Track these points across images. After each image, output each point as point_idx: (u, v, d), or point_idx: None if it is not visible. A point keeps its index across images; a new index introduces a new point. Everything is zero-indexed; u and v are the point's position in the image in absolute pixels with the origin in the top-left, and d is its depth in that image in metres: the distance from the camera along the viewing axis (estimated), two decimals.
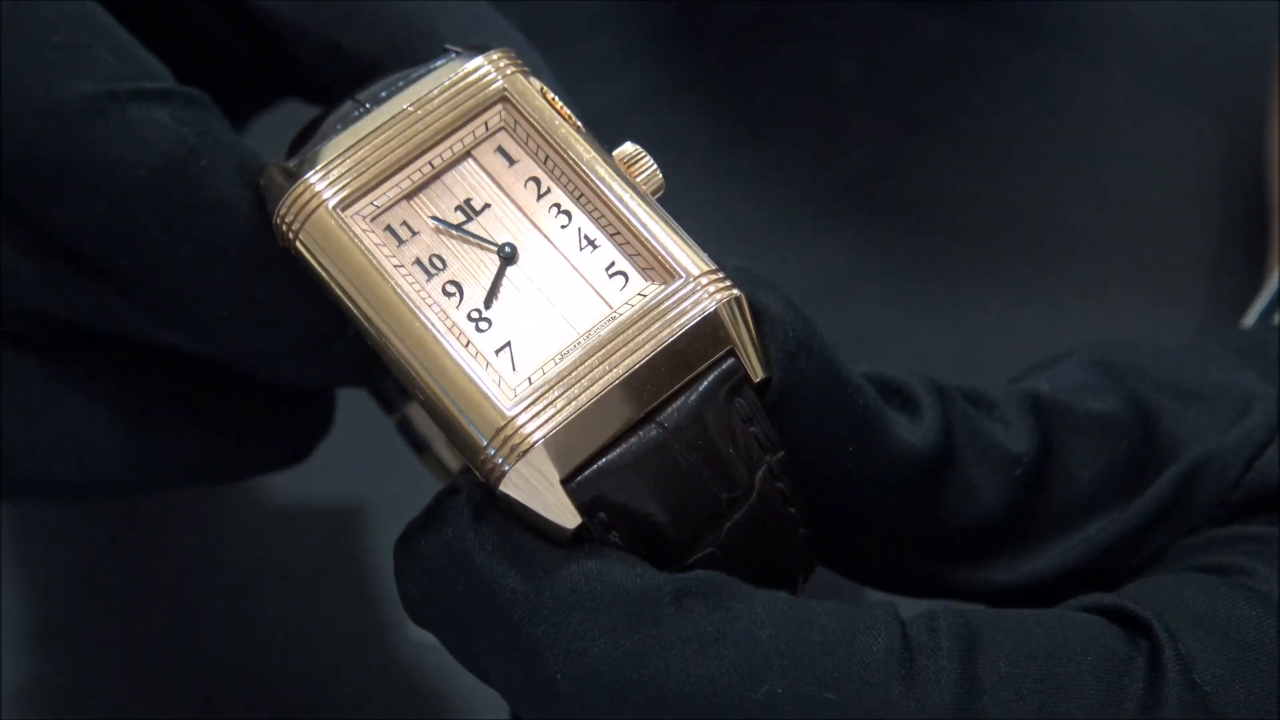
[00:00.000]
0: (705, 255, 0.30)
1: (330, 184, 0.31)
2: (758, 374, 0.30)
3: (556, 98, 0.32)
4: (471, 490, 0.29)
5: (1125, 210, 0.54)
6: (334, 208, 0.30)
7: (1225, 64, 0.56)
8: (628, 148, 0.32)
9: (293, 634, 0.46)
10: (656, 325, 0.29)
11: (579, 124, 0.32)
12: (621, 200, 0.30)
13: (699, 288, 0.29)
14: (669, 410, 0.29)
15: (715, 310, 0.29)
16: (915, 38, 0.57)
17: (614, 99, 0.55)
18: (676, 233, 0.30)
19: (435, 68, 0.32)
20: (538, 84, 0.32)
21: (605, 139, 0.31)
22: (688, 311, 0.29)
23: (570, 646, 0.27)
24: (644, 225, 0.30)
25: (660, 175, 0.32)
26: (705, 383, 0.29)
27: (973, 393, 0.32)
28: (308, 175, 0.31)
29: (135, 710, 0.44)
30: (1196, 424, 0.32)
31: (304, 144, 0.33)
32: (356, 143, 0.31)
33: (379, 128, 0.31)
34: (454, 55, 0.32)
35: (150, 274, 0.31)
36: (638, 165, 0.32)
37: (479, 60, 0.32)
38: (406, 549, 0.29)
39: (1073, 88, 0.56)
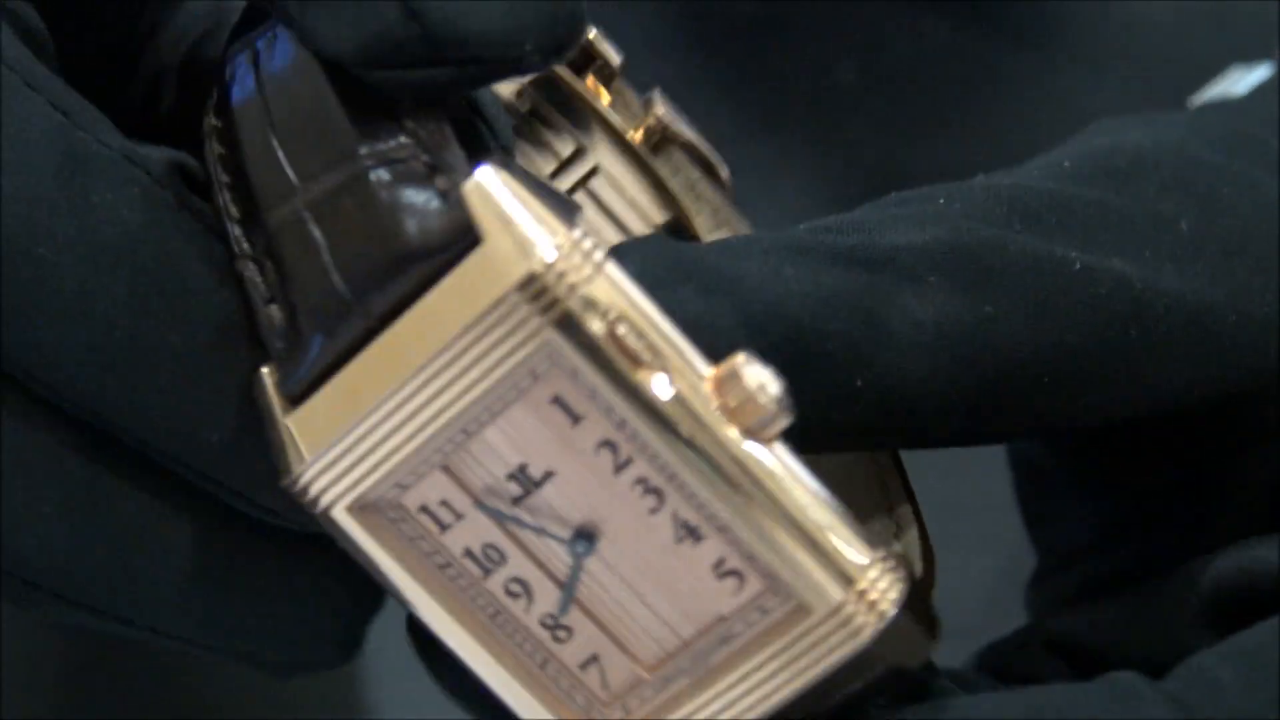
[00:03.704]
0: (858, 542, 0.22)
1: (343, 474, 0.23)
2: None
3: (640, 304, 0.22)
4: None
5: None
6: (351, 506, 0.23)
7: (1225, 66, 0.56)
8: (740, 369, 0.22)
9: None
10: (786, 663, 0.22)
11: (664, 338, 0.22)
12: (730, 489, 0.22)
13: (844, 611, 0.22)
14: None
15: (869, 646, 0.22)
16: (915, 38, 0.57)
17: None
18: (805, 533, 0.22)
19: (462, 257, 0.22)
20: (610, 290, 0.22)
21: None
22: (831, 644, 0.22)
23: None
24: (760, 527, 0.22)
25: (784, 413, 0.22)
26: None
27: None
28: (309, 468, 0.23)
29: None
30: None
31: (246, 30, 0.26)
32: (370, 409, 0.22)
33: (395, 388, 0.22)
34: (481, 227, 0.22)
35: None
36: (750, 406, 0.22)
37: (524, 260, 0.21)
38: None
39: (1072, 89, 0.56)
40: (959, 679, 0.28)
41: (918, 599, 0.23)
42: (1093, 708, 0.25)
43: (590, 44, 0.31)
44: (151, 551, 0.26)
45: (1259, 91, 0.37)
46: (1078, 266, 0.27)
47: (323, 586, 0.27)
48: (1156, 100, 0.56)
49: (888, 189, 0.28)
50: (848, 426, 0.25)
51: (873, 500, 0.28)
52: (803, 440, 0.24)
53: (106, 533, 0.26)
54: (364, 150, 0.23)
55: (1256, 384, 0.28)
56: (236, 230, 0.25)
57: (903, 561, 0.23)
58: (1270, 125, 0.32)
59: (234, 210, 0.25)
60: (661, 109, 0.33)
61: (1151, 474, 0.31)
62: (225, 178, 0.25)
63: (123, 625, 0.27)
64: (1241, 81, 0.40)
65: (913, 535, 0.27)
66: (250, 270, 0.24)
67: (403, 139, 0.23)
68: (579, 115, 0.32)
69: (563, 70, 0.31)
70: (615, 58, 0.32)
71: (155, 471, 0.26)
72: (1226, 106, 0.36)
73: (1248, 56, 0.53)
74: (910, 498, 0.28)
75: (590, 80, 0.32)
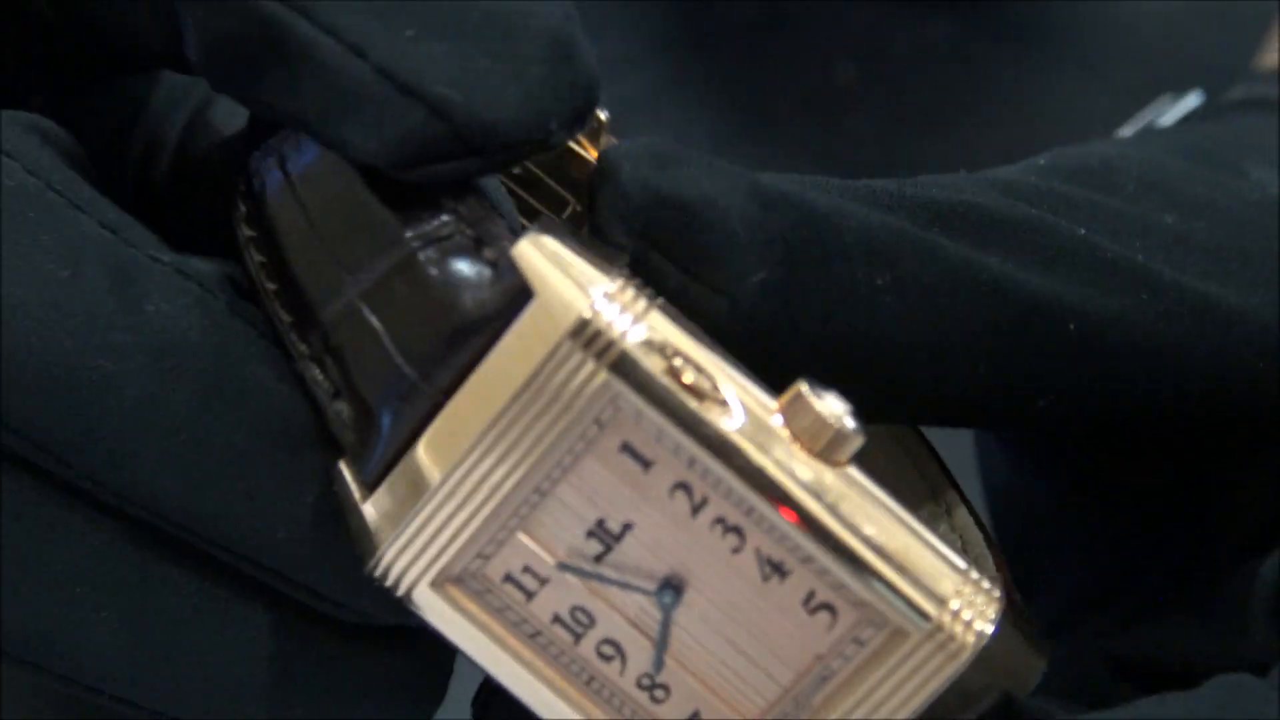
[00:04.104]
0: (947, 556, 0.22)
1: (421, 550, 0.23)
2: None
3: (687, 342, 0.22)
4: None
5: None
6: (434, 583, 0.23)
7: (1224, 67, 0.56)
8: (805, 394, 0.22)
9: None
10: (890, 693, 0.22)
11: (724, 371, 0.22)
12: (806, 515, 0.22)
13: (942, 631, 0.21)
14: None
15: (973, 667, 0.22)
16: (915, 38, 0.57)
17: (614, 99, 0.55)
18: (891, 555, 0.22)
19: (516, 324, 0.22)
20: (664, 327, 0.22)
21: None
22: (932, 668, 0.22)
23: None
24: (845, 555, 0.21)
25: (856, 434, 0.22)
26: None
27: None
28: (388, 550, 0.23)
29: None
30: None
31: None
32: (440, 481, 0.22)
33: (464, 455, 0.22)
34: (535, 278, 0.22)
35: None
36: (820, 429, 0.22)
37: (574, 308, 0.22)
38: None
39: (1071, 89, 0.56)
40: (1038, 713, 0.27)
41: (1015, 611, 0.23)
42: (1215, 710, 0.24)
43: None
44: (206, 653, 0.26)
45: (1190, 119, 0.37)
46: (1081, 232, 0.26)
47: (387, 683, 0.27)
48: (1155, 97, 0.56)
49: None
50: (874, 345, 0.24)
51: (915, 488, 0.28)
52: (827, 379, 0.23)
53: (162, 636, 0.26)
54: (409, 234, 0.23)
55: (1257, 379, 0.28)
56: (292, 335, 0.25)
57: (999, 579, 0.22)
58: (1225, 142, 0.33)
59: (285, 315, 0.25)
60: None
61: (1156, 487, 0.31)
62: (271, 285, 0.25)
63: None
64: (1170, 112, 0.40)
65: (964, 516, 0.27)
66: (312, 370, 0.24)
67: (444, 217, 0.23)
68: (570, 176, 0.32)
69: None
70: (601, 115, 0.32)
71: (220, 573, 0.26)
72: (1173, 128, 0.36)
73: (1244, 57, 0.53)
74: (953, 483, 0.28)
75: (579, 137, 0.33)
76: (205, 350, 0.25)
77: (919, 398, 0.25)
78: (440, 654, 0.27)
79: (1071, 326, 0.26)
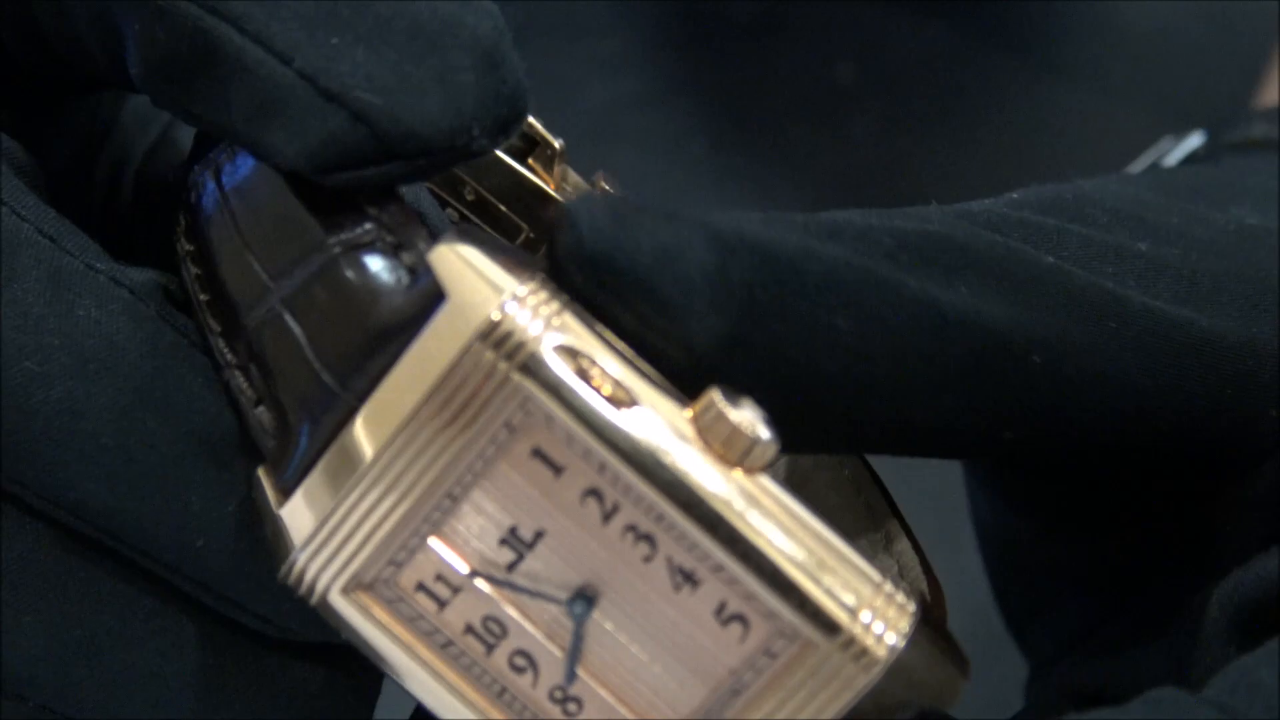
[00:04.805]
0: (860, 567, 0.21)
1: (333, 554, 0.22)
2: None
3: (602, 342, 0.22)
4: None
5: None
6: (346, 588, 0.23)
7: (1222, 69, 0.56)
8: (719, 401, 0.21)
9: None
10: (801, 705, 0.21)
11: (637, 374, 0.22)
12: (714, 520, 0.21)
13: (854, 643, 0.21)
14: None
15: (887, 680, 0.21)
16: (915, 40, 0.57)
17: (614, 99, 0.55)
18: (802, 565, 0.21)
19: (428, 326, 0.22)
20: (576, 330, 0.22)
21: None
22: (844, 680, 0.21)
23: None
24: (755, 564, 0.21)
25: (770, 443, 0.21)
26: None
27: None
28: (300, 553, 0.22)
29: None
30: None
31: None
32: (351, 483, 0.22)
33: (375, 458, 0.22)
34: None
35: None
36: (734, 437, 0.21)
37: (485, 308, 0.22)
38: None
39: (1069, 94, 0.56)
40: None
41: (933, 627, 0.22)
42: None
43: (531, 129, 0.31)
44: (134, 663, 0.26)
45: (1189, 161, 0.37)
46: (1050, 260, 0.26)
47: (314, 701, 0.27)
48: (1151, 102, 0.56)
49: (886, 189, 0.29)
50: (836, 384, 0.24)
51: (857, 515, 0.28)
52: (788, 416, 0.23)
53: (88, 642, 0.26)
54: (331, 240, 0.23)
55: (1231, 404, 0.28)
56: (220, 343, 0.25)
57: (913, 590, 0.22)
58: (1213, 182, 0.32)
59: (214, 324, 0.25)
60: (607, 188, 0.33)
61: (1144, 521, 0.31)
62: (204, 296, 0.25)
63: None
64: (1172, 154, 0.40)
65: (905, 545, 0.27)
66: (236, 378, 0.24)
67: (367, 225, 0.23)
68: (523, 203, 0.32)
69: (505, 157, 0.31)
70: (555, 142, 0.32)
71: (145, 582, 0.26)
72: (1163, 169, 0.36)
73: (1241, 64, 0.53)
74: (896, 513, 0.27)
75: (533, 164, 0.32)
76: (132, 355, 0.25)
77: (881, 431, 0.25)
78: (369, 674, 0.27)
79: (1036, 359, 0.26)
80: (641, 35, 0.57)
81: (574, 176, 0.34)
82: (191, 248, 0.26)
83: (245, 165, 0.25)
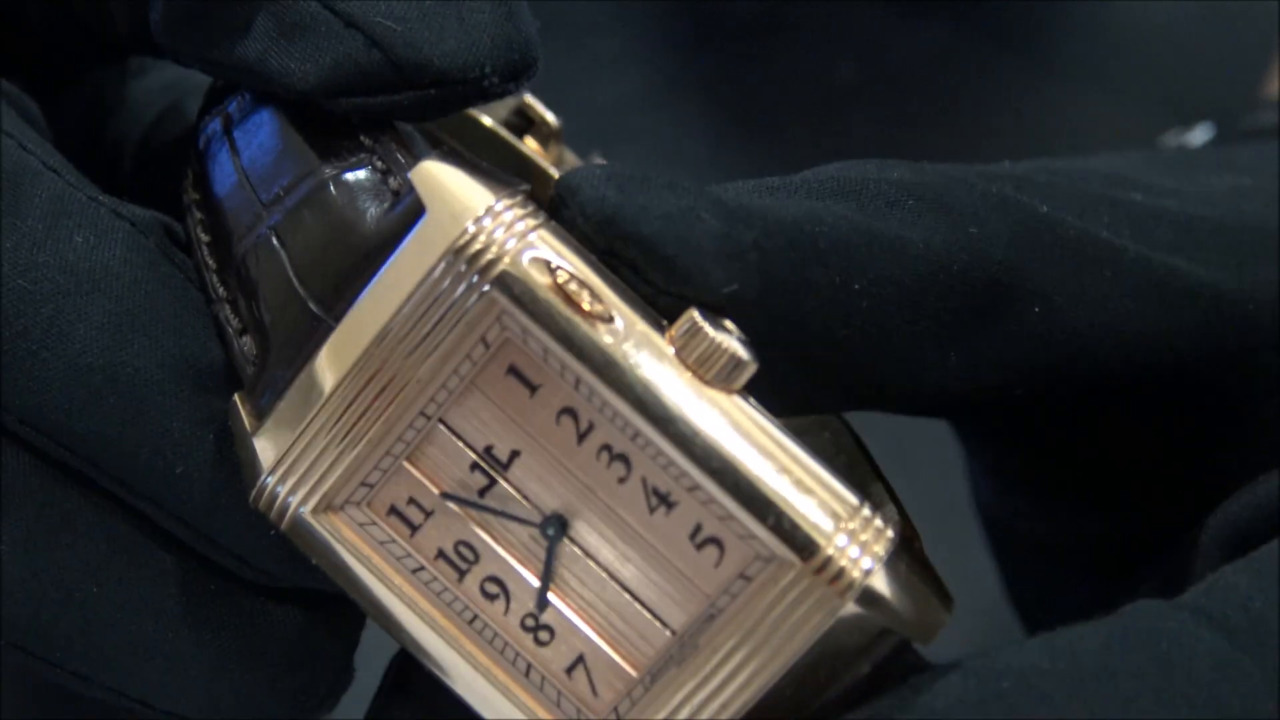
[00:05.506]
0: (837, 489, 0.21)
1: (304, 474, 0.22)
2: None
3: (571, 265, 0.21)
4: None
5: None
6: (313, 511, 0.22)
7: (1222, 69, 0.56)
8: (698, 318, 0.21)
9: None
10: (773, 629, 0.21)
11: (613, 287, 0.21)
12: (691, 438, 0.20)
13: (831, 564, 0.20)
14: None
15: (856, 610, 0.21)
16: (914, 40, 0.57)
17: (614, 99, 0.55)
18: (778, 484, 0.20)
19: (405, 240, 0.22)
20: (553, 244, 0.21)
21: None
22: (819, 602, 0.20)
23: None
24: (731, 482, 0.20)
25: (749, 362, 0.21)
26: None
27: None
28: (270, 475, 0.22)
29: None
30: None
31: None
32: (323, 401, 0.22)
33: (346, 374, 0.22)
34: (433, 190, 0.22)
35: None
36: (712, 354, 0.21)
37: (462, 219, 0.21)
38: None
39: (1069, 93, 0.56)
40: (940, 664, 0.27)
41: (914, 557, 0.22)
42: (1120, 625, 0.24)
43: (529, 107, 0.31)
44: (110, 598, 0.26)
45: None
46: (1044, 209, 0.27)
47: (290, 647, 0.27)
48: (1152, 101, 0.56)
49: None
50: (849, 345, 0.24)
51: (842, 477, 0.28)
52: (795, 375, 0.23)
53: (65, 575, 0.26)
54: (323, 165, 0.24)
55: (1231, 352, 0.28)
56: (214, 279, 0.25)
57: (891, 515, 0.21)
58: (1210, 159, 0.33)
59: (210, 261, 0.25)
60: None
61: (1149, 494, 0.31)
62: (205, 236, 0.26)
63: (81, 682, 0.27)
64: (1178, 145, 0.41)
65: (891, 511, 0.27)
66: (225, 311, 0.25)
67: (361, 155, 0.24)
68: (521, 179, 0.32)
69: (503, 131, 0.32)
70: (552, 120, 0.32)
71: (124, 515, 0.26)
72: (1163, 152, 0.36)
73: (1242, 63, 0.53)
74: (880, 477, 0.26)
75: (530, 142, 0.33)
76: (125, 279, 0.25)
77: (894, 390, 0.25)
78: (348, 620, 0.27)
79: (1036, 309, 0.26)
80: (642, 35, 0.57)
81: (571, 156, 0.34)
82: (198, 196, 0.26)
83: (253, 109, 0.26)
